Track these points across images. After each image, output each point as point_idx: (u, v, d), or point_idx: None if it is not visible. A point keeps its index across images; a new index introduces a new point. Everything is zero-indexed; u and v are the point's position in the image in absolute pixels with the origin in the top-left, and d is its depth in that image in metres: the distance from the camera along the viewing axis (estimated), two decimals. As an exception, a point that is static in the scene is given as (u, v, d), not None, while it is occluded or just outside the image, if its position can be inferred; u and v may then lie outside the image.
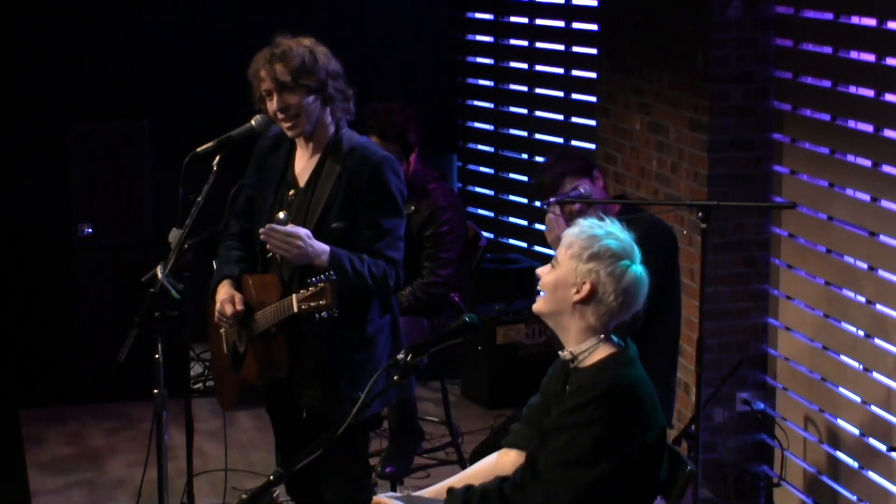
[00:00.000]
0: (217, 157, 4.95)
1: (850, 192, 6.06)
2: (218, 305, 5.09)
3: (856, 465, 6.02)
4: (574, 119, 8.32)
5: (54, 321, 8.00)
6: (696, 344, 5.33)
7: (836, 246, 6.12)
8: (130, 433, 7.45)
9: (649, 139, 7.09)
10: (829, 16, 6.13)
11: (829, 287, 6.16)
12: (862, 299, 5.96)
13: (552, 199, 5.76)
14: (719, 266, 6.50)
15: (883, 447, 5.78)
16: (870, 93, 5.88)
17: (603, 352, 4.09)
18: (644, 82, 7.15)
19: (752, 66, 6.47)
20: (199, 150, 4.98)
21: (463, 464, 6.60)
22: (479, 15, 9.03)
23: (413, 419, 6.89)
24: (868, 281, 5.90)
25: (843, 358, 6.09)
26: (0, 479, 6.98)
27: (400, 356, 4.13)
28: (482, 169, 9.06)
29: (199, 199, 4.89)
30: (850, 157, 6.06)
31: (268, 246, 4.92)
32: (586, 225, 4.13)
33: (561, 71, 8.39)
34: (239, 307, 5.05)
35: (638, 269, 4.08)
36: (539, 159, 8.55)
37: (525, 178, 8.72)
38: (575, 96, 8.31)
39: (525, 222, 8.76)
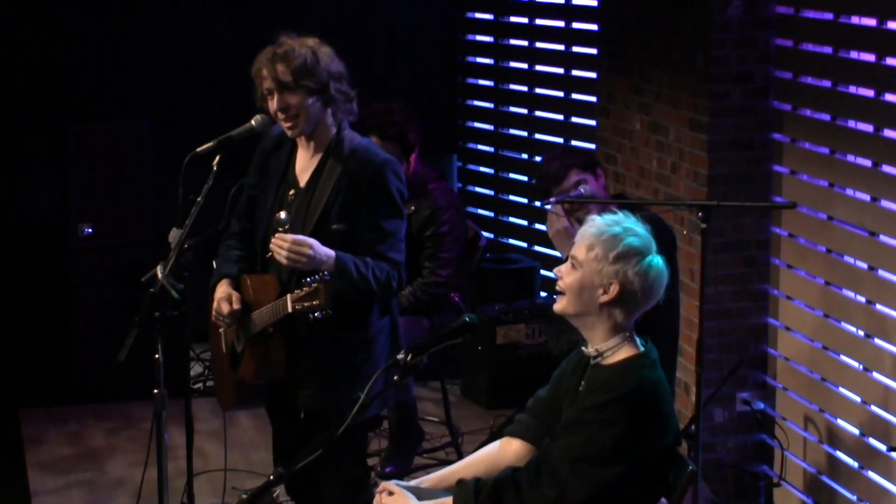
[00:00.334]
0: (217, 157, 4.95)
1: (850, 192, 6.06)
2: (215, 304, 5.10)
3: (856, 465, 6.02)
4: (574, 119, 8.32)
5: (54, 321, 8.00)
6: (696, 344, 5.33)
7: (836, 246, 6.12)
8: (130, 433, 7.44)
9: (649, 139, 7.09)
10: (829, 16, 6.13)
11: (829, 287, 6.16)
12: (862, 299, 5.95)
13: (552, 199, 5.77)
14: (719, 266, 6.50)
15: (883, 447, 5.78)
16: (870, 93, 5.88)
17: (627, 352, 4.12)
18: (644, 82, 7.15)
19: (752, 66, 6.47)
20: (199, 150, 4.97)
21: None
22: (479, 15, 9.03)
23: (413, 419, 6.90)
24: (868, 281, 5.90)
25: (843, 358, 6.09)
26: (0, 479, 6.98)
27: (400, 356, 4.13)
28: (482, 169, 9.06)
29: (199, 199, 4.89)
30: (850, 157, 6.06)
31: (277, 256, 4.90)
32: (605, 224, 4.14)
33: (561, 71, 8.39)
34: (236, 306, 5.05)
35: (659, 260, 4.12)
36: (539, 159, 8.57)
37: (525, 178, 8.72)
38: (575, 96, 8.31)
39: (525, 222, 8.76)
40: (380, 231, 5.01)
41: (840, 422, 6.12)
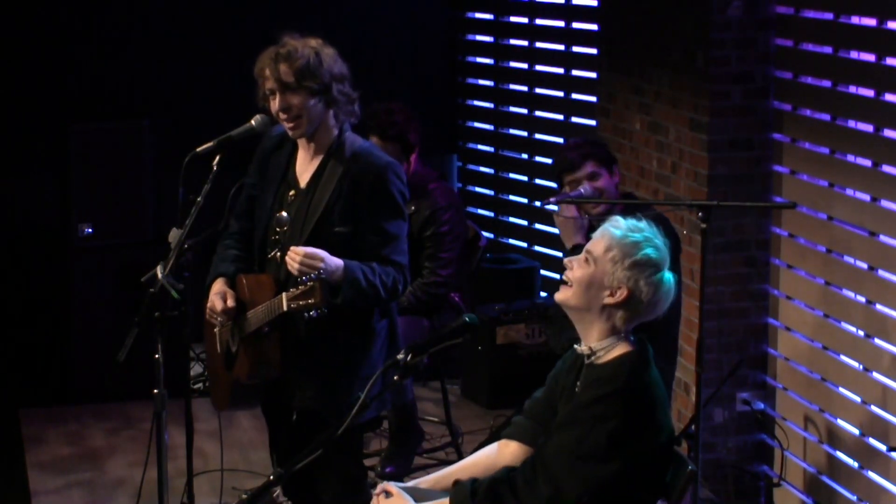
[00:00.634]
0: (217, 157, 4.95)
1: (850, 192, 6.06)
2: (209, 302, 5.09)
3: (856, 465, 6.02)
4: (574, 119, 8.32)
5: (54, 321, 7.99)
6: (696, 344, 5.33)
7: (836, 246, 6.12)
8: (130, 433, 7.44)
9: (649, 139, 7.09)
10: (829, 16, 6.13)
11: (829, 287, 6.16)
12: (862, 299, 5.95)
13: (552, 199, 5.78)
14: (719, 266, 6.50)
15: (883, 447, 5.78)
16: (870, 93, 5.88)
17: (621, 349, 4.12)
18: (644, 82, 7.15)
19: (752, 66, 6.47)
20: (199, 150, 4.97)
21: (463, 464, 6.60)
22: (479, 15, 9.03)
23: (413, 419, 6.90)
24: (868, 281, 5.90)
25: (843, 358, 6.09)
26: (0, 479, 6.97)
27: (400, 356, 4.13)
28: (482, 169, 9.06)
29: (199, 199, 4.88)
30: (850, 157, 6.06)
31: (290, 268, 4.88)
32: (627, 228, 4.14)
33: (561, 71, 8.39)
34: (230, 303, 5.04)
35: (670, 276, 4.14)
36: (539, 159, 8.58)
37: (525, 178, 8.72)
38: (575, 96, 8.31)
39: (525, 222, 8.76)
40: (383, 234, 5.01)
41: (840, 422, 6.12)
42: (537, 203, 8.41)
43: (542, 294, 8.24)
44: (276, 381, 5.13)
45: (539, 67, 8.55)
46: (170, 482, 5.07)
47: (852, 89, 6.05)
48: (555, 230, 8.38)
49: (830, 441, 6.18)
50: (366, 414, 4.87)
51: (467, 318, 4.20)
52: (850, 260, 6.05)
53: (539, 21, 8.52)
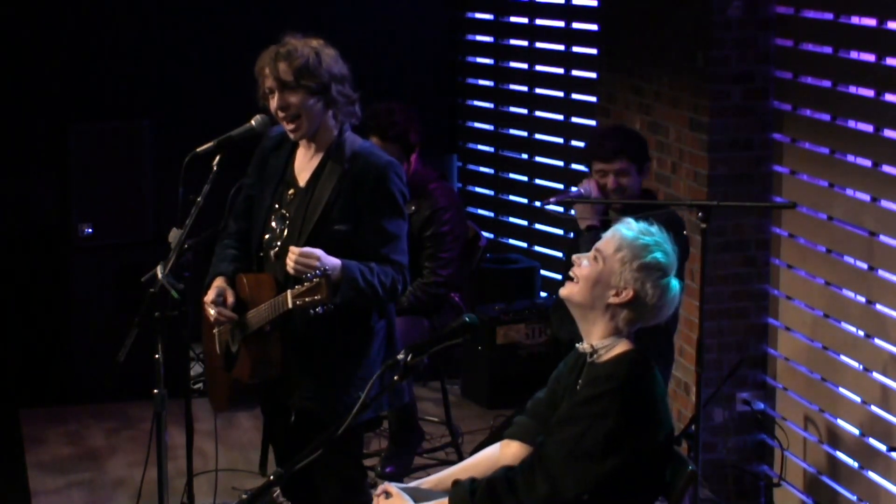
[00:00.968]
0: (217, 157, 4.95)
1: (850, 192, 6.07)
2: (206, 296, 5.08)
3: (856, 465, 6.02)
4: (574, 119, 8.32)
5: (54, 321, 7.99)
6: (696, 344, 5.33)
7: (836, 246, 6.12)
8: (130, 433, 7.44)
9: (649, 139, 7.07)
10: (829, 16, 6.13)
11: (829, 287, 6.17)
12: (862, 299, 5.96)
13: (552, 199, 5.77)
14: (719, 266, 6.50)
15: (883, 447, 5.78)
16: (870, 93, 5.88)
17: (622, 347, 4.13)
18: (644, 82, 7.15)
19: (752, 66, 6.47)
20: (199, 150, 4.97)
21: (463, 464, 6.60)
22: (479, 15, 9.03)
23: (413, 419, 6.90)
24: (868, 281, 5.90)
25: (843, 358, 6.09)
26: (0, 479, 6.98)
27: (400, 356, 4.13)
28: (482, 169, 9.06)
29: (199, 199, 4.88)
30: (850, 157, 6.06)
31: (287, 268, 4.88)
32: (639, 231, 4.15)
33: (561, 71, 8.39)
34: (230, 301, 5.03)
35: (677, 283, 4.16)
36: (539, 159, 8.58)
37: (525, 178, 8.72)
38: (575, 96, 8.31)
39: (525, 222, 8.76)
40: (383, 233, 5.00)
41: (840, 422, 6.12)
42: (537, 203, 8.41)
43: (542, 294, 8.24)
44: (274, 381, 5.12)
45: (539, 67, 8.55)
46: (170, 482, 5.07)
47: (852, 89, 6.05)
48: (555, 230, 8.45)
49: (830, 441, 6.18)
50: (365, 414, 4.86)
51: (467, 318, 4.20)
52: (850, 260, 6.05)
53: (539, 21, 8.52)
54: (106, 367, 6.56)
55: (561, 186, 8.21)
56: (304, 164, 5.12)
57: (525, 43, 8.67)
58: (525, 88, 8.68)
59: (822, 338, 6.22)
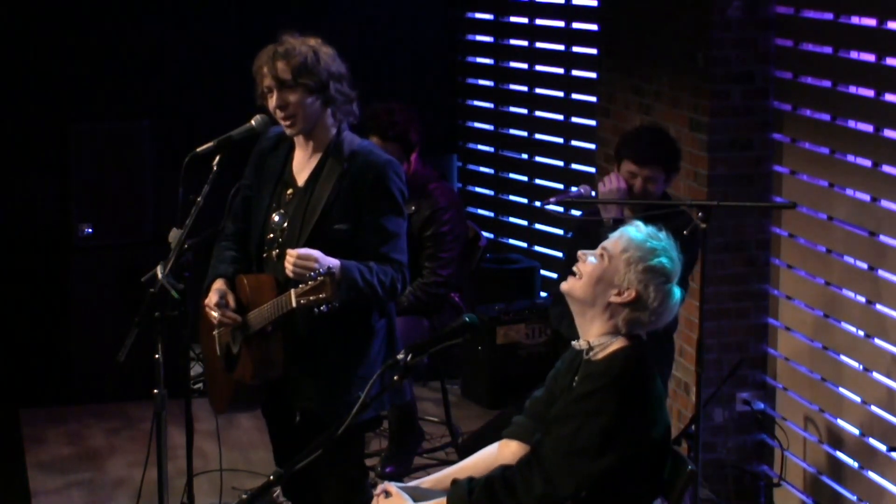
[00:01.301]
0: (217, 157, 4.95)
1: (850, 192, 6.07)
2: (207, 298, 5.08)
3: (856, 465, 6.02)
4: (574, 119, 8.32)
5: (54, 321, 7.99)
6: (696, 344, 5.33)
7: (836, 246, 6.12)
8: (130, 433, 7.44)
9: (649, 139, 7.09)
10: (829, 16, 6.13)
11: (829, 287, 6.17)
12: (862, 299, 5.96)
13: (552, 199, 5.77)
14: (719, 266, 6.50)
15: (883, 447, 5.78)
16: (870, 93, 5.88)
17: (617, 344, 4.13)
18: (644, 82, 7.15)
19: (752, 66, 6.47)
20: (199, 150, 4.97)
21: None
22: (479, 15, 9.03)
23: (413, 419, 6.90)
24: (868, 281, 5.90)
25: (843, 358, 6.09)
26: (0, 479, 6.98)
27: (400, 356, 4.13)
28: (482, 169, 9.06)
29: (199, 199, 4.88)
30: (850, 157, 6.06)
31: (286, 270, 4.88)
32: (647, 234, 4.17)
33: (561, 71, 8.39)
34: (231, 304, 5.03)
35: (679, 290, 4.18)
36: (539, 159, 8.58)
37: (525, 178, 8.72)
38: (575, 96, 8.31)
39: (525, 222, 8.76)
40: (383, 232, 5.00)
41: (840, 422, 6.12)
42: (537, 203, 8.40)
43: (543, 294, 8.24)
44: (276, 382, 5.12)
45: (539, 67, 8.55)
46: (170, 482, 5.07)
47: (852, 89, 6.05)
48: (555, 230, 8.45)
49: (831, 441, 6.18)
50: (365, 414, 4.86)
51: (467, 318, 4.20)
52: (850, 260, 6.05)
53: (539, 21, 8.52)
54: (106, 367, 6.55)
55: (561, 186, 8.22)
56: (303, 163, 5.11)
57: (525, 43, 8.67)
58: (525, 88, 8.68)
59: (822, 338, 6.22)
